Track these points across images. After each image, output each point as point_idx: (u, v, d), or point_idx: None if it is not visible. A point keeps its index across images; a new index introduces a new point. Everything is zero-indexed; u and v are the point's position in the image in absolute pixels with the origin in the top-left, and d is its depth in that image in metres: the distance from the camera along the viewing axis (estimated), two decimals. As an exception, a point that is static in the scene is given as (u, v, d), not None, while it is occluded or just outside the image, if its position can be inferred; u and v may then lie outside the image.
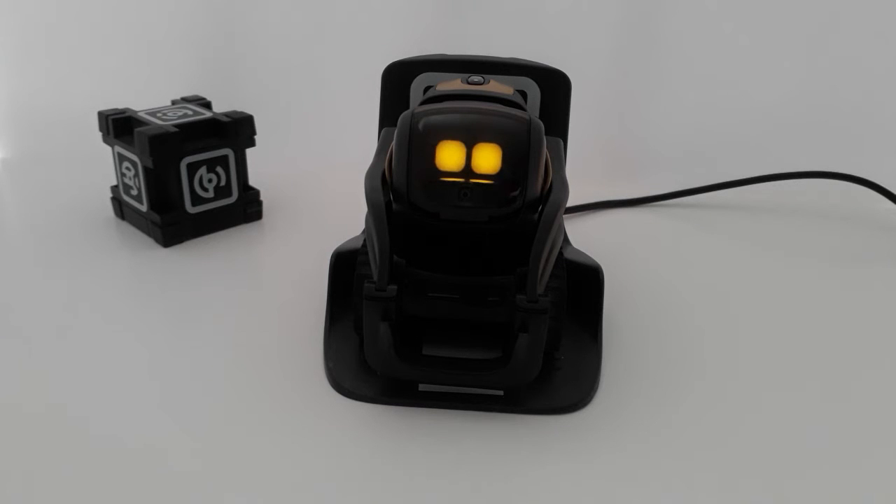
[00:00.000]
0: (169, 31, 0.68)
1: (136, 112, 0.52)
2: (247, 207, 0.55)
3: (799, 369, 0.39)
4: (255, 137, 0.54)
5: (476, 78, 0.38)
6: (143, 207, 0.51)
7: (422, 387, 0.36)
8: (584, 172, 0.53)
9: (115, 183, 0.55)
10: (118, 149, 0.52)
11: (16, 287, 0.45)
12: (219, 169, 0.52)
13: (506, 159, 0.32)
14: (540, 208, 0.33)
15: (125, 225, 0.54)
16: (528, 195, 0.32)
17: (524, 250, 0.32)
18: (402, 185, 0.33)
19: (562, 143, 0.39)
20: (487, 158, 0.32)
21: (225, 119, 0.52)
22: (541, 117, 0.40)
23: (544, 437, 0.33)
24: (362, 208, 0.33)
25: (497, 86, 0.38)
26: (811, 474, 0.32)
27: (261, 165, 0.56)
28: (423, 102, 0.35)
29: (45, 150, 0.69)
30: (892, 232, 0.56)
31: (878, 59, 0.61)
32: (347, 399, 0.36)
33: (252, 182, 0.55)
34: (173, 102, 0.56)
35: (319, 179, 0.63)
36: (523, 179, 0.32)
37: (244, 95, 0.62)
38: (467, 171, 0.32)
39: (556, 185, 0.33)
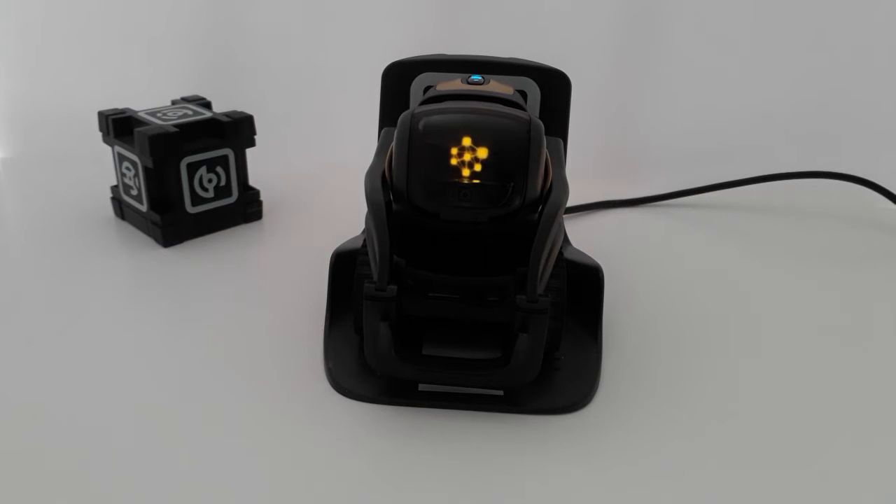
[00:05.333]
0: (169, 30, 0.68)
1: (136, 112, 0.52)
2: (247, 207, 0.55)
3: (799, 369, 0.39)
4: (255, 137, 0.54)
5: (476, 78, 0.38)
6: (143, 207, 0.51)
7: (422, 387, 0.36)
8: (584, 172, 0.53)
9: (115, 183, 0.55)
10: (118, 149, 0.52)
11: (16, 287, 0.45)
12: (219, 169, 0.52)
13: (506, 159, 0.32)
14: (540, 208, 0.33)
15: (125, 225, 0.54)
16: (528, 195, 0.32)
17: (524, 250, 0.32)
18: (402, 185, 0.33)
19: (562, 143, 0.39)
20: (487, 158, 0.32)
21: (225, 119, 0.52)
22: (541, 117, 0.40)
23: (544, 437, 0.33)
24: (362, 208, 0.33)
25: (497, 86, 0.38)
26: (812, 474, 0.32)
27: (261, 165, 0.56)
28: (423, 102, 0.35)
29: (45, 150, 0.69)
30: (892, 232, 0.56)
31: (877, 60, 0.61)
32: (347, 399, 0.36)
33: (252, 182, 0.55)
34: (173, 102, 0.56)
35: (319, 179, 0.63)
36: (523, 179, 0.32)
37: (244, 95, 0.62)
38: (467, 171, 0.32)
39: (556, 185, 0.33)
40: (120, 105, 0.53)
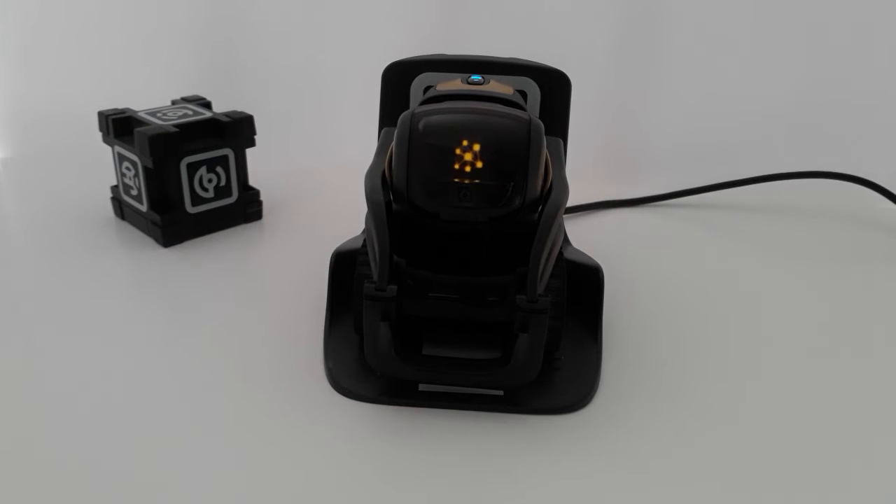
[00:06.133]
0: (169, 30, 0.68)
1: (136, 112, 0.52)
2: (247, 207, 0.55)
3: (798, 369, 0.39)
4: (255, 137, 0.54)
5: (476, 78, 0.38)
6: (143, 207, 0.51)
7: (422, 387, 0.36)
8: (584, 172, 0.54)
9: (115, 183, 0.55)
10: (118, 149, 0.52)
11: (15, 287, 0.45)
12: (219, 169, 0.52)
13: (506, 159, 0.32)
14: (540, 208, 0.33)
15: (125, 225, 0.54)
16: (528, 195, 0.32)
17: (524, 250, 0.32)
18: (402, 185, 0.33)
19: (562, 143, 0.39)
20: (487, 159, 0.32)
21: (225, 119, 0.52)
22: (541, 117, 0.40)
23: (544, 437, 0.33)
24: (362, 208, 0.33)
25: (497, 86, 0.38)
26: (811, 473, 0.32)
27: (261, 165, 0.56)
28: (423, 102, 0.35)
29: (45, 150, 0.69)
30: (892, 232, 0.56)
31: (877, 59, 0.61)
32: (347, 399, 0.36)
33: (252, 182, 0.55)
34: (173, 102, 0.56)
35: (319, 179, 0.63)
36: (523, 179, 0.32)
37: (244, 95, 0.62)
38: (467, 171, 0.32)
39: (556, 185, 0.33)
40: (120, 105, 0.53)
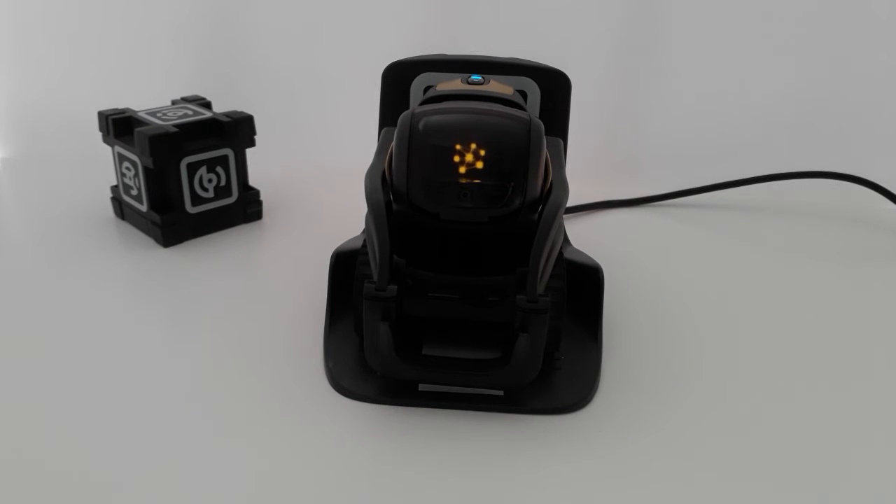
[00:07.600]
0: (169, 30, 0.68)
1: (136, 112, 0.52)
2: (247, 207, 0.55)
3: (798, 369, 0.39)
4: (255, 137, 0.54)
5: (476, 78, 0.38)
6: (143, 207, 0.51)
7: (422, 387, 0.36)
8: (584, 172, 0.53)
9: (115, 183, 0.55)
10: (118, 149, 0.52)
11: (16, 287, 0.45)
12: (219, 169, 0.52)
13: (506, 160, 0.32)
14: (540, 208, 0.33)
15: (125, 225, 0.54)
16: (528, 195, 0.32)
17: (524, 250, 0.32)
18: (402, 186, 0.33)
19: (562, 143, 0.39)
20: (487, 159, 0.32)
21: (225, 119, 0.52)
22: (541, 117, 0.40)
23: (544, 437, 0.33)
24: (362, 208, 0.33)
25: (497, 86, 0.38)
26: (810, 473, 0.32)
27: (261, 165, 0.56)
28: (423, 102, 0.35)
29: (45, 150, 0.69)
30: (892, 232, 0.56)
31: (877, 59, 0.61)
32: (347, 399, 0.36)
33: (252, 182, 0.55)
34: (173, 102, 0.56)
35: (319, 179, 0.63)
36: (523, 180, 0.32)
37: (244, 95, 0.62)
38: (467, 171, 0.32)
39: (556, 186, 0.34)
40: (120, 105, 0.53)
